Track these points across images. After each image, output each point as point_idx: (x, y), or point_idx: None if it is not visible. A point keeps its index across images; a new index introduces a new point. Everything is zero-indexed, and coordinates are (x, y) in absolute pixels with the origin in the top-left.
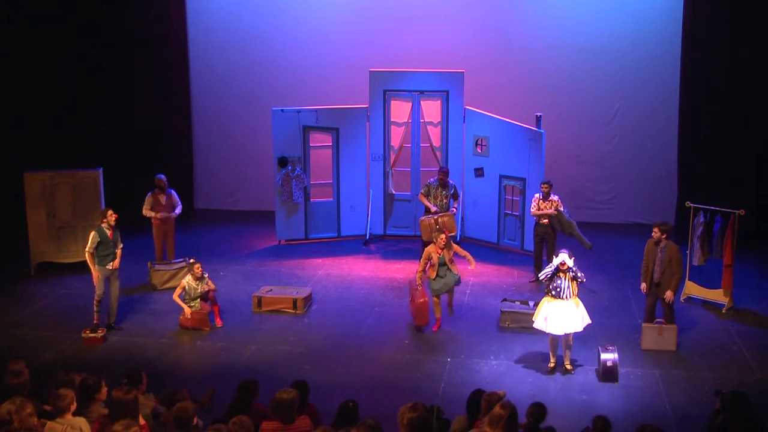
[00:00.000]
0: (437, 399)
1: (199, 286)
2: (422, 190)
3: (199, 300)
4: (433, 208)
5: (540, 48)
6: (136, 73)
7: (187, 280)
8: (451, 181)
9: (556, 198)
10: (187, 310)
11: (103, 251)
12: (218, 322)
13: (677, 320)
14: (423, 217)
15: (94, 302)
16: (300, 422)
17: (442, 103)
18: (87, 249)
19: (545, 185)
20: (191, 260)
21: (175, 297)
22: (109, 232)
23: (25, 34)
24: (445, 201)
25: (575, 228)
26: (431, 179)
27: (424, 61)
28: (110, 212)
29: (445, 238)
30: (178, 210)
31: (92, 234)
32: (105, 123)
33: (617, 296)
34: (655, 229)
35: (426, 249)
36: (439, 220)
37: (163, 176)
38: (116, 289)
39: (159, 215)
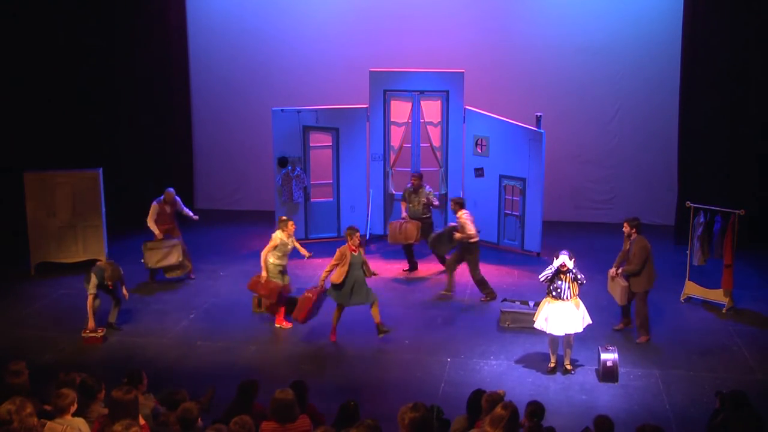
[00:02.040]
0: (437, 399)
1: (290, 242)
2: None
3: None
4: (404, 214)
5: (540, 48)
6: (137, 72)
7: (280, 235)
8: (427, 187)
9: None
10: (264, 273)
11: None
12: (278, 322)
13: (677, 320)
14: (393, 221)
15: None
16: (300, 422)
17: (442, 103)
18: (89, 291)
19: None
20: (284, 218)
21: (264, 254)
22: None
23: (24, 34)
24: (418, 207)
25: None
26: (408, 184)
27: (424, 61)
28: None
29: (359, 238)
30: (188, 212)
31: (93, 277)
32: (105, 123)
33: None
34: (625, 225)
35: (339, 249)
36: (403, 226)
37: (172, 190)
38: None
39: (161, 237)
